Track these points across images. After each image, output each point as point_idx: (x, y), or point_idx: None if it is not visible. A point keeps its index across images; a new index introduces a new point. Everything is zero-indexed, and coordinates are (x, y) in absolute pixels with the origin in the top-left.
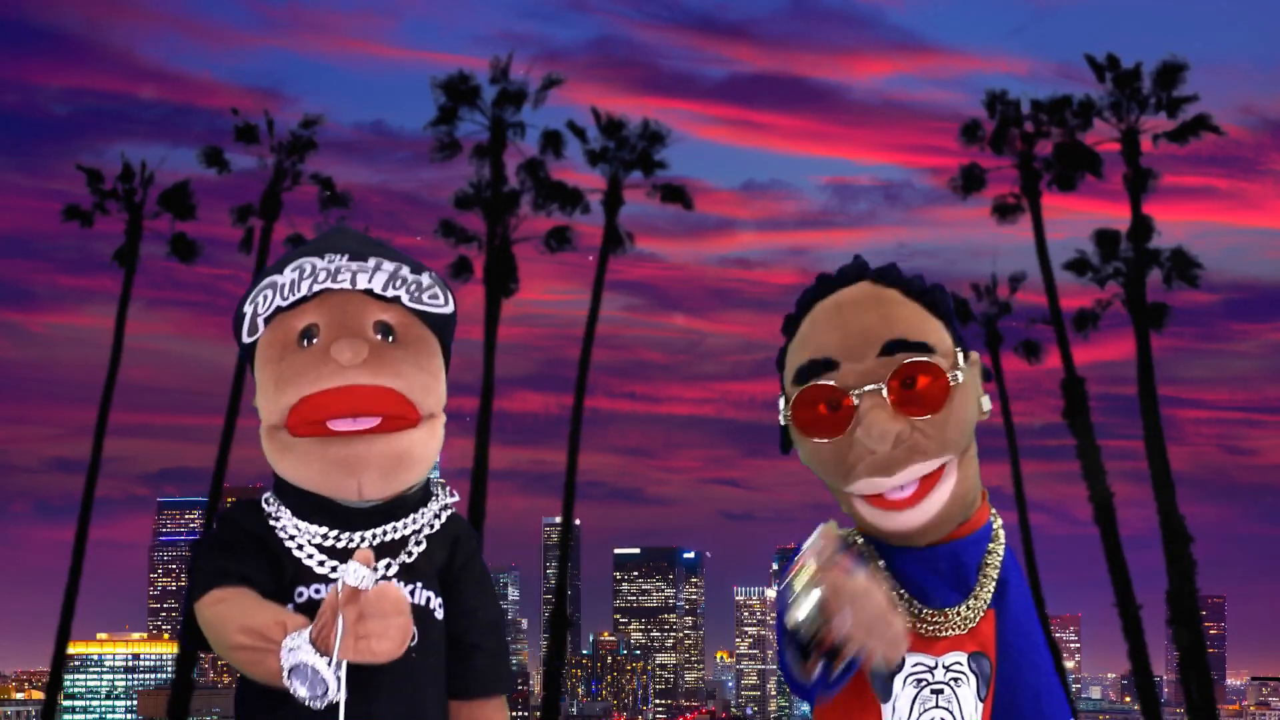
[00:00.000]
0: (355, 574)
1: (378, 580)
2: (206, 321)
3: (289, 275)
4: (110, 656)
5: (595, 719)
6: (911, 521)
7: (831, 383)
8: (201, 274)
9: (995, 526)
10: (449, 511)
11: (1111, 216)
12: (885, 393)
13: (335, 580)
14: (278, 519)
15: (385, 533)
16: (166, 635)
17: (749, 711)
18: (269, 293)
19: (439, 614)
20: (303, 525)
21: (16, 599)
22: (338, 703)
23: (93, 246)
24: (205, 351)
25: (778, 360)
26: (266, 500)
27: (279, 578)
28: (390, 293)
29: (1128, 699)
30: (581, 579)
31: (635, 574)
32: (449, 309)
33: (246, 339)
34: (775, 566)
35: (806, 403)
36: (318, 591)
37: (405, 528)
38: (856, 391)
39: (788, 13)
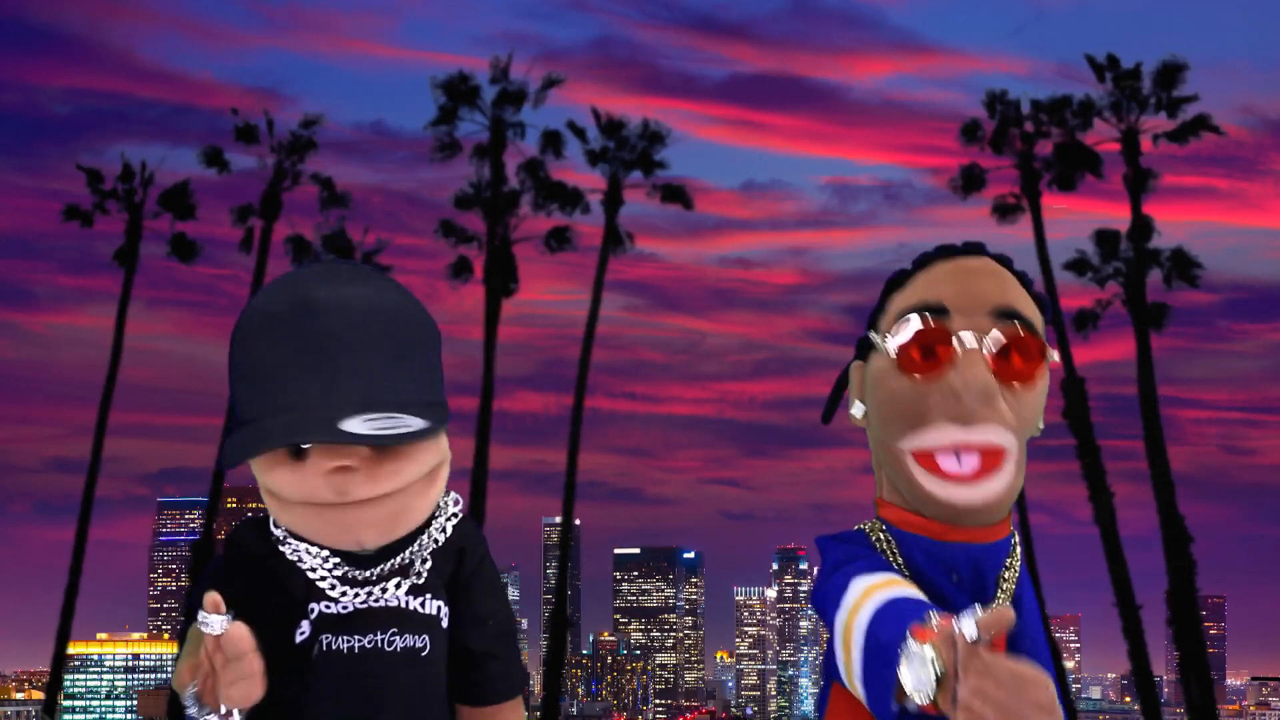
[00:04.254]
0: (212, 623)
1: (229, 623)
2: (206, 321)
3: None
4: (110, 656)
5: (595, 719)
6: (967, 497)
7: (942, 324)
8: (201, 274)
9: (1014, 541)
10: (454, 521)
11: (1111, 216)
12: (989, 349)
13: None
14: (286, 542)
15: (393, 562)
16: (166, 635)
17: (749, 711)
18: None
19: (445, 622)
20: (313, 549)
21: (16, 599)
22: None
23: (93, 246)
24: (205, 351)
25: (873, 312)
26: (274, 523)
27: (287, 596)
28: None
29: (1128, 699)
30: (581, 579)
31: (635, 574)
32: (435, 425)
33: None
34: (775, 566)
35: (908, 339)
36: (328, 607)
37: (411, 551)
38: (962, 340)
39: (788, 13)
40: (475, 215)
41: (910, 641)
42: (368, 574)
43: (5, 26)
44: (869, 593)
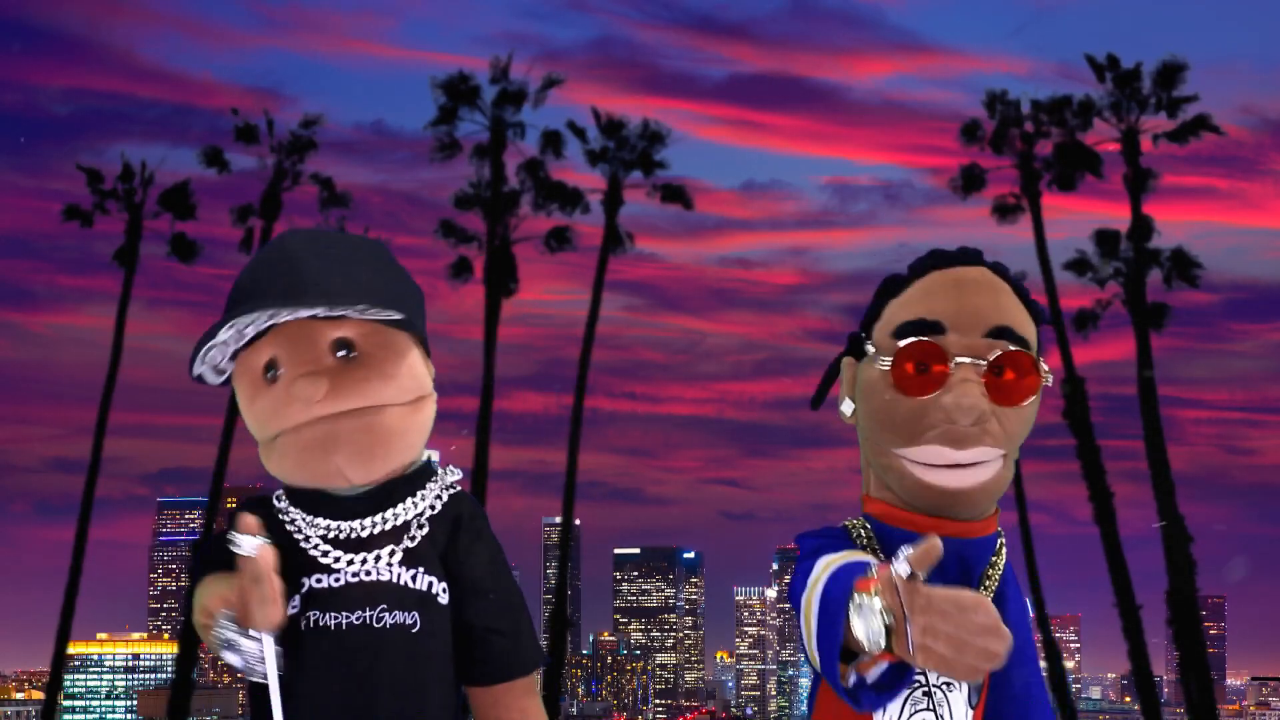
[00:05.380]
0: (245, 544)
1: (262, 546)
2: (206, 321)
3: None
4: (110, 656)
5: (595, 719)
6: (958, 481)
7: (937, 342)
8: (201, 274)
9: (1000, 540)
10: (451, 492)
11: (1111, 216)
12: (981, 371)
13: (336, 569)
14: (288, 514)
15: (385, 520)
16: (166, 635)
17: (749, 711)
18: (218, 351)
19: (443, 599)
20: (309, 518)
21: (16, 599)
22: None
23: (93, 246)
24: None
25: (866, 314)
26: (277, 497)
27: (290, 569)
28: (337, 313)
29: (1128, 699)
30: (581, 579)
31: (635, 574)
32: (400, 316)
33: (219, 383)
34: (775, 566)
35: (905, 355)
36: (319, 581)
37: (406, 513)
38: (957, 360)
39: (788, 13)
40: (475, 215)
41: (856, 594)
42: (359, 533)
43: (5, 26)
44: (827, 566)
